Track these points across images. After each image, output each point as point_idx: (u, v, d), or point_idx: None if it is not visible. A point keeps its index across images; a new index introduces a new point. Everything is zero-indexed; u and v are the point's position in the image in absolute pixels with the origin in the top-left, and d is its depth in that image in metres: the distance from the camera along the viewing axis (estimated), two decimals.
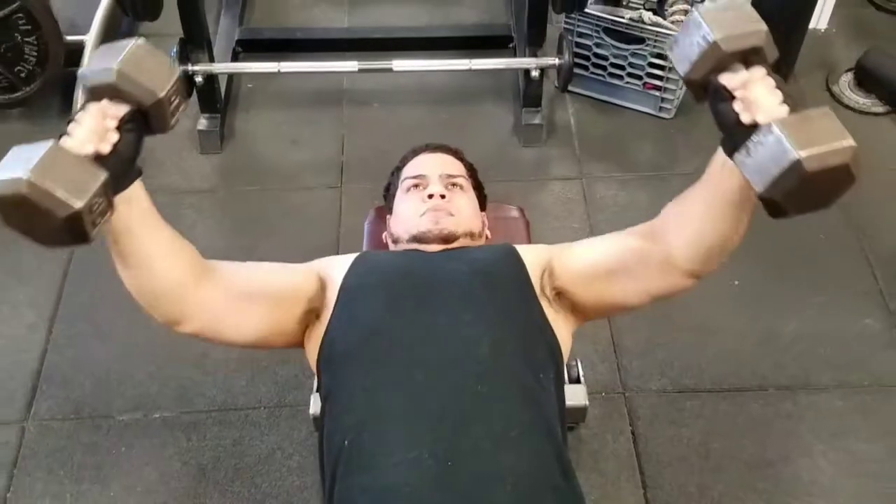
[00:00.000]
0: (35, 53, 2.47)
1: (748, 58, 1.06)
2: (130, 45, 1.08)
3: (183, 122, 2.69)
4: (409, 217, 1.50)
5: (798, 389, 2.05)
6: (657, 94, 2.61)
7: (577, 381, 1.87)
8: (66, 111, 2.53)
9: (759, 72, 1.05)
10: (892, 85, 2.63)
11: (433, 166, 1.58)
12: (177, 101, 1.12)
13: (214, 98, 2.57)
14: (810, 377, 2.07)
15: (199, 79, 2.44)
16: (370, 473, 1.15)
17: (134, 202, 1.10)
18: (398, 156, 1.70)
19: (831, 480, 1.89)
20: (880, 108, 2.67)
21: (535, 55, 2.51)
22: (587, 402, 1.83)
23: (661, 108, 2.64)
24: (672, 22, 2.52)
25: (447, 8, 3.06)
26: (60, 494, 1.88)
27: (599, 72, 2.66)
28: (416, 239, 1.47)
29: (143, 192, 1.13)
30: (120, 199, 1.05)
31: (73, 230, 0.98)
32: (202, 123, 2.58)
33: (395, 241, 1.53)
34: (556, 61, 2.44)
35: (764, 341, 2.14)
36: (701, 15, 1.06)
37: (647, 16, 2.52)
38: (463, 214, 1.51)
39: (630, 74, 2.61)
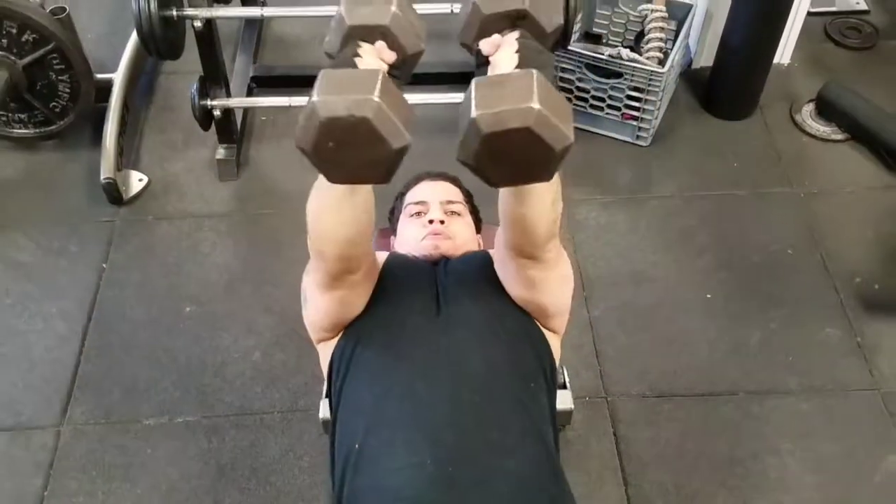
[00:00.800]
0: (68, 90, 2.50)
1: (516, 22, 0.96)
2: None
3: (202, 152, 2.76)
4: (412, 241, 1.51)
5: (766, 393, 2.06)
6: (634, 123, 2.62)
7: (564, 386, 1.88)
8: (96, 143, 2.54)
9: (511, 36, 0.96)
10: (850, 114, 2.65)
11: (433, 193, 1.59)
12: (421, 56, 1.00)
13: (231, 130, 2.58)
14: (777, 382, 2.08)
15: (217, 112, 2.46)
16: (376, 477, 1.16)
17: None
18: (399, 182, 1.70)
19: (797, 477, 1.90)
20: (839, 136, 2.68)
21: None
22: (573, 406, 1.85)
23: (638, 137, 2.66)
24: (648, 58, 2.57)
25: (444, 46, 3.05)
26: (93, 492, 1.90)
27: (581, 104, 2.67)
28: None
29: None
30: None
31: (392, 164, 0.87)
32: (220, 153, 2.59)
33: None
34: None
35: (734, 349, 2.15)
36: None
37: (625, 52, 2.57)
38: (460, 238, 1.52)
39: (610, 106, 2.62)
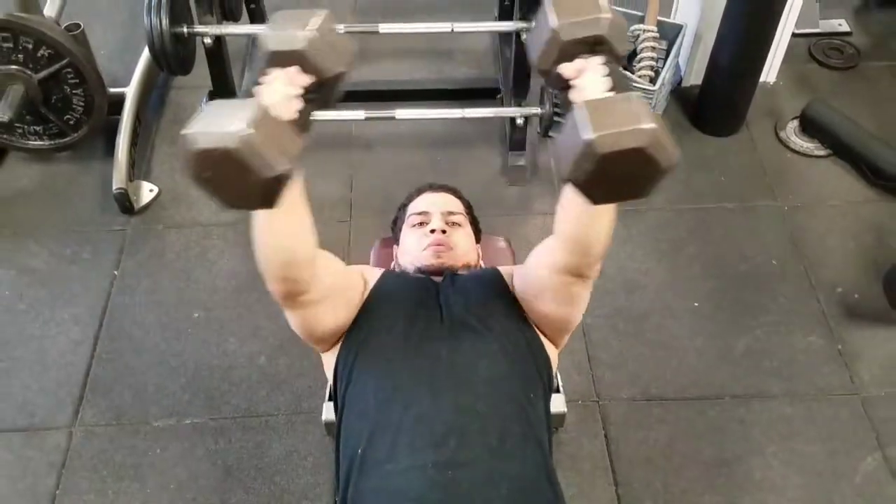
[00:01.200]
0: (82, 104, 2.52)
1: (594, 48, 0.96)
2: (317, 14, 0.96)
3: None
4: (414, 250, 1.52)
5: (751, 398, 2.08)
6: None
7: (557, 390, 1.90)
8: (109, 155, 2.57)
9: (595, 60, 0.95)
10: (832, 131, 2.69)
11: (435, 204, 1.60)
12: (346, 75, 0.99)
13: None
14: (762, 387, 2.10)
15: None
16: (379, 479, 1.18)
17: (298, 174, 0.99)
18: (401, 194, 1.74)
19: (780, 478, 1.93)
20: (822, 152, 2.72)
21: (519, 105, 2.55)
22: (565, 409, 1.84)
23: None
24: (639, 76, 2.61)
25: (443, 63, 3.11)
26: (103, 491, 1.91)
27: None
28: (420, 270, 1.49)
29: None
30: None
31: (269, 193, 0.88)
32: None
33: (403, 271, 1.55)
34: (539, 110, 2.46)
35: (721, 355, 2.17)
36: (547, 1, 0.95)
37: None
38: (460, 248, 1.53)
39: None
